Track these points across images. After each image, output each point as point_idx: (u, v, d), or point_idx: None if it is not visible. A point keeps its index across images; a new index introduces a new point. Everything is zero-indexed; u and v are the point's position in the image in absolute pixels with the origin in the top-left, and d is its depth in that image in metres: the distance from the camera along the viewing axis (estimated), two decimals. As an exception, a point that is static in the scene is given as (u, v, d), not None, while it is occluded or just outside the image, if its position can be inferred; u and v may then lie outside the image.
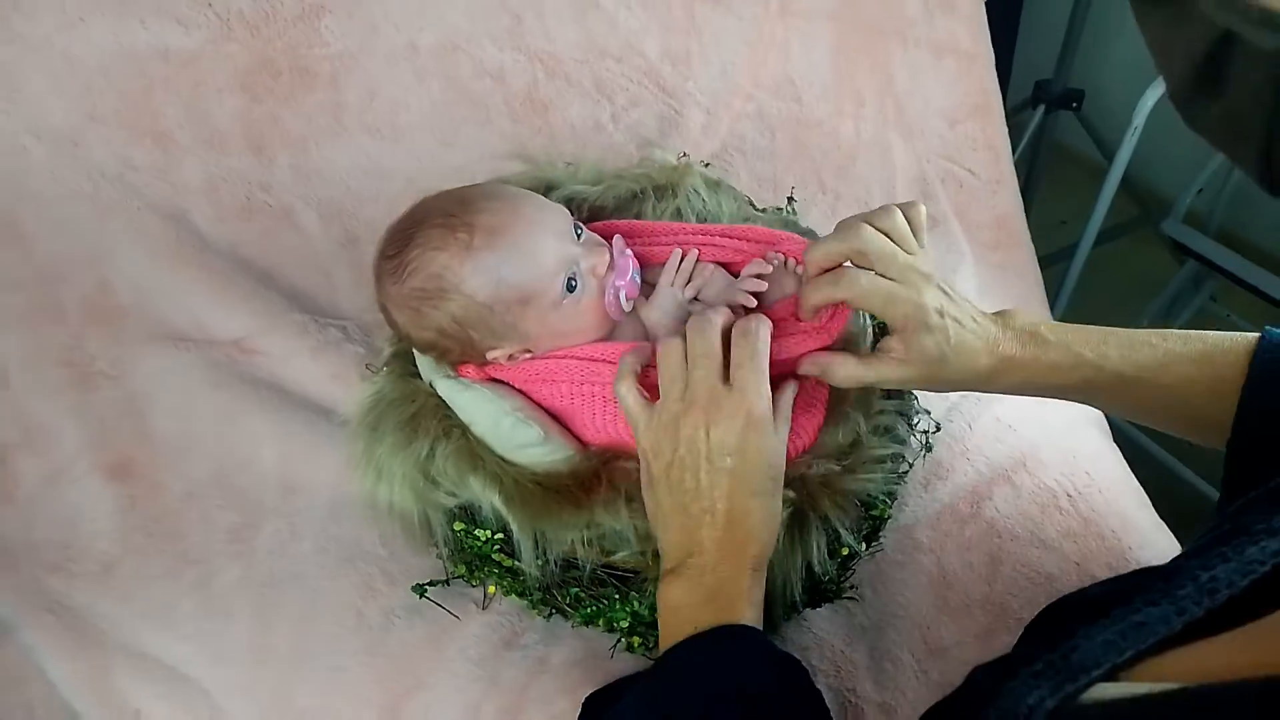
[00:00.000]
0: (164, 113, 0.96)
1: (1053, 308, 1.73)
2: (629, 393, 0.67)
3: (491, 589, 0.76)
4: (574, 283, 0.72)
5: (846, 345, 0.73)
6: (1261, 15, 0.29)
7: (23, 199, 0.89)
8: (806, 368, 0.70)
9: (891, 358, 0.67)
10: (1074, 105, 1.82)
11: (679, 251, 0.79)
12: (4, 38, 0.91)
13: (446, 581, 0.78)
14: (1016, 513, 0.89)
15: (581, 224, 0.76)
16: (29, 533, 0.81)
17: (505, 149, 1.09)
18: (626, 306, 0.75)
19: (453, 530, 0.73)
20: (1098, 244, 1.70)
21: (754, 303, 0.74)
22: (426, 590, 0.77)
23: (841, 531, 0.70)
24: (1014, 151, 1.81)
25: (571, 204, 0.88)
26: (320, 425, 0.87)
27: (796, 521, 0.68)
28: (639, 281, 0.76)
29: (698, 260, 0.79)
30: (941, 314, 0.65)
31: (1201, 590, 0.48)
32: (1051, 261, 1.80)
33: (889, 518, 0.77)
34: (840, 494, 0.70)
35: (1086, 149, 1.93)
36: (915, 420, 0.85)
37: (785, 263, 0.76)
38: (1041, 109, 1.84)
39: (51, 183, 0.90)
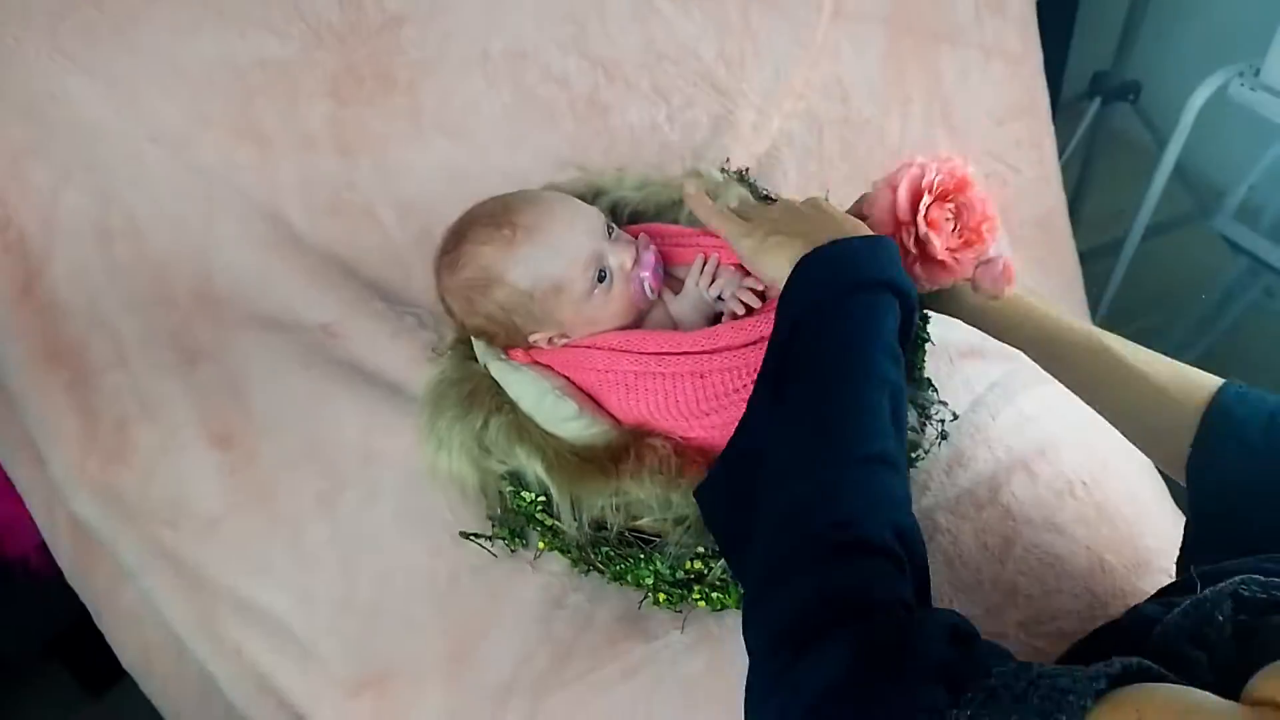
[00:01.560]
0: (263, 117, 1.06)
1: (1099, 299, 1.76)
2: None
3: (541, 544, 0.86)
4: (604, 274, 0.82)
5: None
6: None
7: (141, 196, 1.00)
8: None
9: None
10: (1130, 98, 1.84)
11: (702, 256, 0.88)
12: (126, 49, 1.02)
13: (491, 538, 0.88)
14: (1033, 499, 0.96)
15: (615, 224, 0.86)
16: (145, 492, 0.93)
17: (568, 150, 1.17)
18: (650, 295, 0.86)
19: (501, 492, 0.83)
20: (1152, 236, 1.72)
21: (756, 303, 0.84)
22: (474, 537, 0.88)
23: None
24: (1071, 142, 1.83)
25: (616, 209, 0.97)
26: (397, 402, 0.97)
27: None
28: (661, 274, 0.87)
29: (719, 264, 0.88)
30: None
31: None
32: (1107, 253, 1.82)
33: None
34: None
35: (1145, 140, 1.94)
36: (933, 411, 0.92)
37: None
38: (1098, 100, 1.86)
39: (166, 182, 1.01)
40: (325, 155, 1.08)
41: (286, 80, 1.08)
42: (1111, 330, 0.80)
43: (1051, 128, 1.41)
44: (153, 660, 0.93)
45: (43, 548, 1.24)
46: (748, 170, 1.11)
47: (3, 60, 0.98)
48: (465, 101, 1.14)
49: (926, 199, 0.76)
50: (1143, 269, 1.80)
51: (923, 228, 0.75)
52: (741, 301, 0.83)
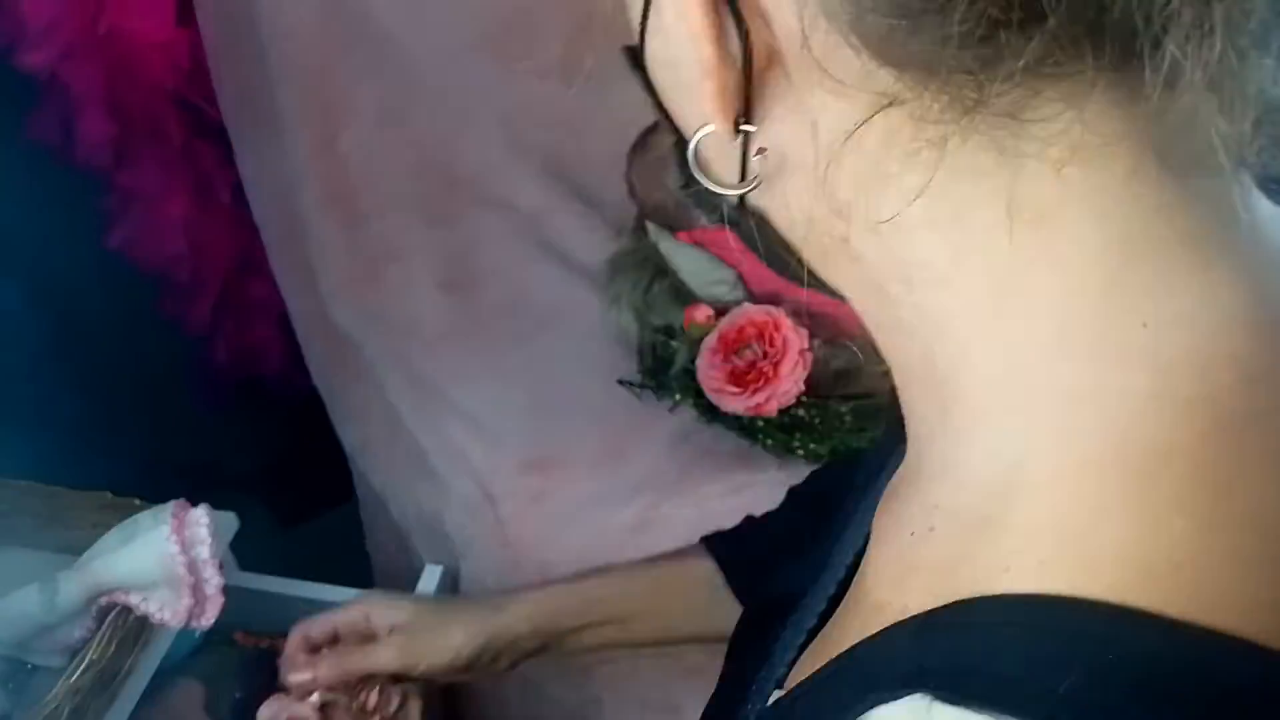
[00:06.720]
0: (513, 45, 1.33)
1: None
2: None
3: (678, 396, 1.08)
4: None
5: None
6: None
7: (416, 93, 1.29)
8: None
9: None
10: None
11: None
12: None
13: (641, 386, 1.11)
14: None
15: None
16: (389, 311, 1.21)
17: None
18: None
19: (654, 344, 1.07)
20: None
21: None
22: (628, 384, 1.11)
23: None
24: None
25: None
26: (587, 274, 1.22)
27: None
28: None
29: None
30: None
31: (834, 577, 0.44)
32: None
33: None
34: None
35: None
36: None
37: None
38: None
39: (432, 85, 1.29)
40: (556, 84, 1.34)
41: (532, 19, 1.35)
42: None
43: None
44: (370, 442, 1.21)
45: (282, 374, 1.55)
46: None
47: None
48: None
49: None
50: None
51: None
52: None
